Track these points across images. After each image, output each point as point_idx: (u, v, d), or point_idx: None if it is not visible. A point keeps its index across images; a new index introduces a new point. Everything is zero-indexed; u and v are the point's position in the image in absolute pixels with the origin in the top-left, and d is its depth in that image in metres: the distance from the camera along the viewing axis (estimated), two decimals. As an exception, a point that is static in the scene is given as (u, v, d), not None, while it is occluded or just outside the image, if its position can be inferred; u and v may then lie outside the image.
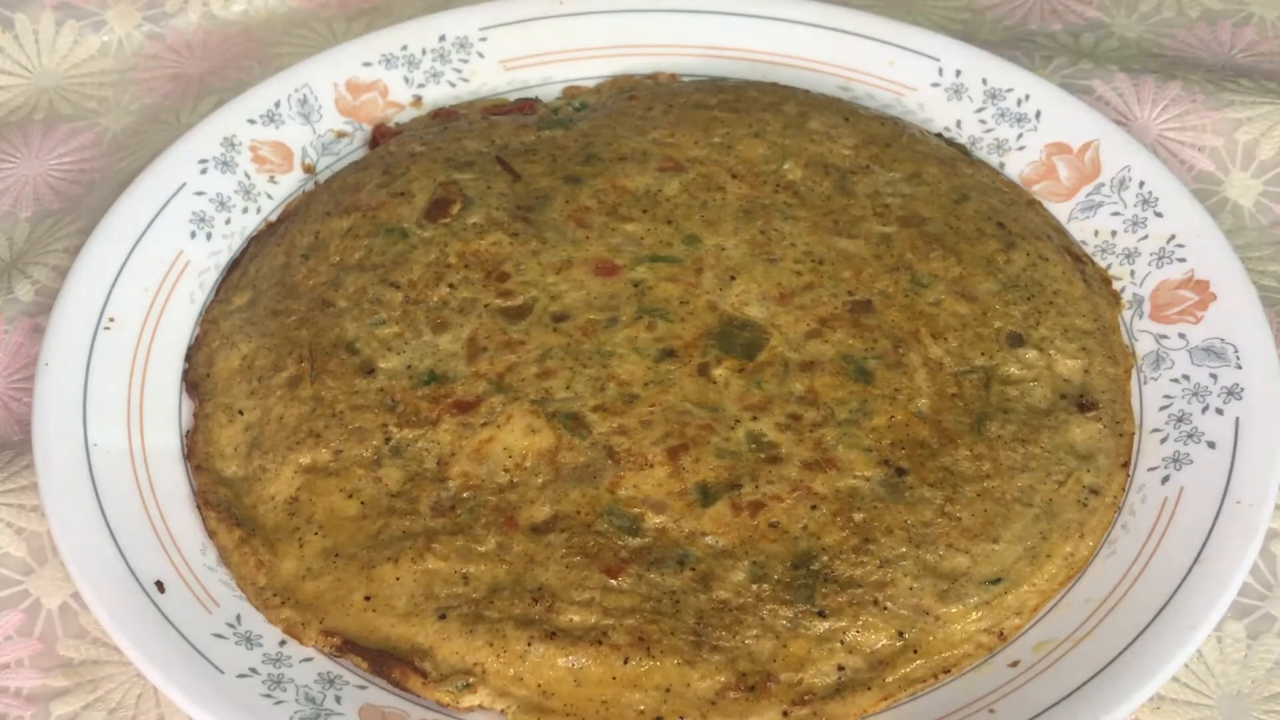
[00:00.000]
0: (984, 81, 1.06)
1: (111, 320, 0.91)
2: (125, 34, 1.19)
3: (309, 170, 1.03)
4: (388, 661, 0.78)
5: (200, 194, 0.99)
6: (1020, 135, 1.03)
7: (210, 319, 0.94)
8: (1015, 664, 0.78)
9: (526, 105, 1.07)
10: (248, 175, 1.01)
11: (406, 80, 1.08)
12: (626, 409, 0.86)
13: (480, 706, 0.77)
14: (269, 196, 1.01)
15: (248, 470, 0.86)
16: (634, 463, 0.84)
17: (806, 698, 0.77)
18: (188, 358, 0.92)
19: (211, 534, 0.84)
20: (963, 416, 0.87)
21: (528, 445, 0.85)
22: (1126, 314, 0.94)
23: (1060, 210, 1.00)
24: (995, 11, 1.21)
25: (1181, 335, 0.91)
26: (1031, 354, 0.91)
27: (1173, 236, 0.95)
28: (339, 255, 0.95)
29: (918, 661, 0.79)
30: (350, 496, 0.84)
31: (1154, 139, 1.07)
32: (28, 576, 0.86)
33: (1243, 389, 0.87)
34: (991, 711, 0.76)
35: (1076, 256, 0.97)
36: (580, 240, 0.95)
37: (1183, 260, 0.94)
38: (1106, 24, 1.20)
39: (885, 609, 0.79)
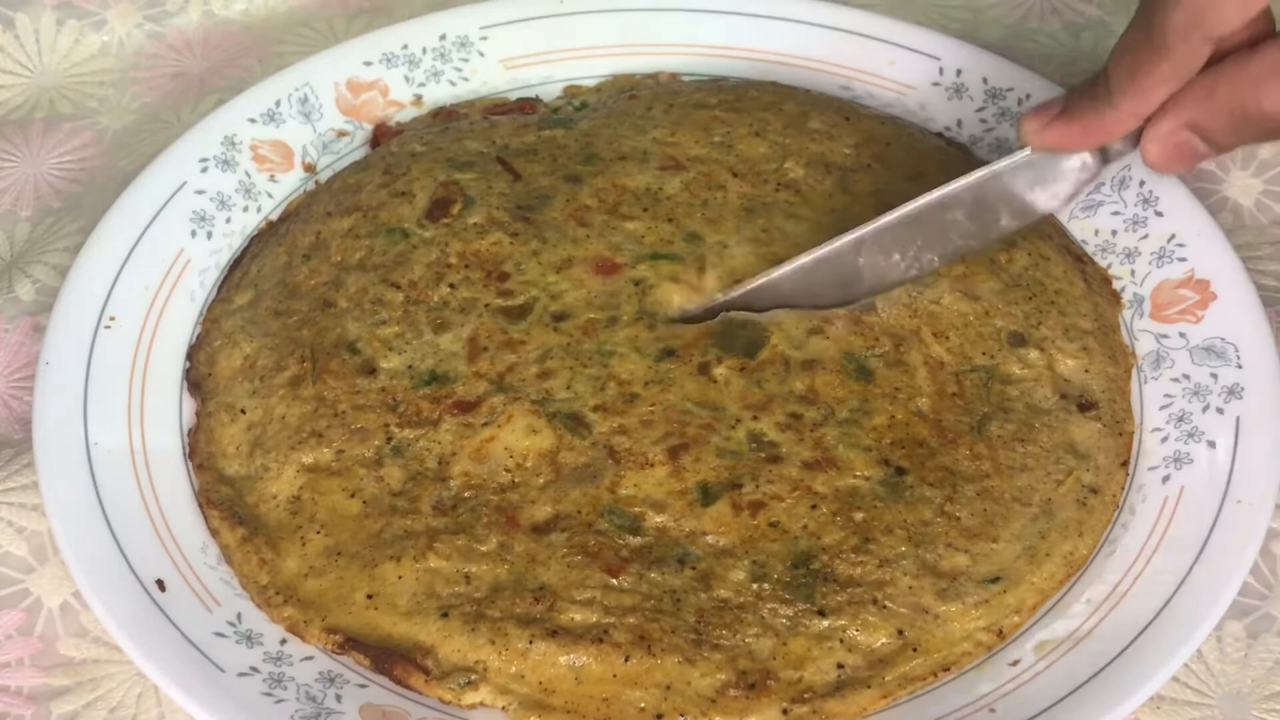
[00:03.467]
0: (984, 81, 1.06)
1: (112, 319, 0.91)
2: (126, 33, 1.19)
3: (309, 169, 1.03)
4: (390, 658, 0.78)
5: (201, 193, 0.99)
6: (1021, 134, 1.03)
7: (212, 318, 0.94)
8: (1015, 663, 0.78)
9: (527, 105, 1.07)
10: (248, 174, 1.01)
11: (407, 79, 1.08)
12: (627, 408, 0.86)
13: (482, 704, 0.77)
14: (269, 195, 1.01)
15: (250, 469, 0.86)
16: (634, 462, 0.84)
17: (806, 695, 0.77)
18: (189, 356, 0.92)
19: (214, 533, 0.84)
20: (963, 416, 0.87)
21: (528, 445, 0.85)
22: (1127, 313, 0.94)
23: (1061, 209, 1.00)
24: (995, 10, 1.21)
25: (1182, 334, 0.91)
26: (1032, 353, 0.91)
27: (1173, 236, 0.95)
28: (340, 255, 0.95)
29: (917, 660, 0.79)
30: (352, 496, 0.84)
31: (1154, 138, 1.07)
32: (28, 575, 0.86)
33: (1243, 388, 0.87)
34: (992, 710, 0.76)
35: (1077, 256, 0.97)
36: (581, 239, 0.95)
37: (1183, 260, 0.94)
38: (1107, 23, 1.20)
39: (885, 608, 0.79)
